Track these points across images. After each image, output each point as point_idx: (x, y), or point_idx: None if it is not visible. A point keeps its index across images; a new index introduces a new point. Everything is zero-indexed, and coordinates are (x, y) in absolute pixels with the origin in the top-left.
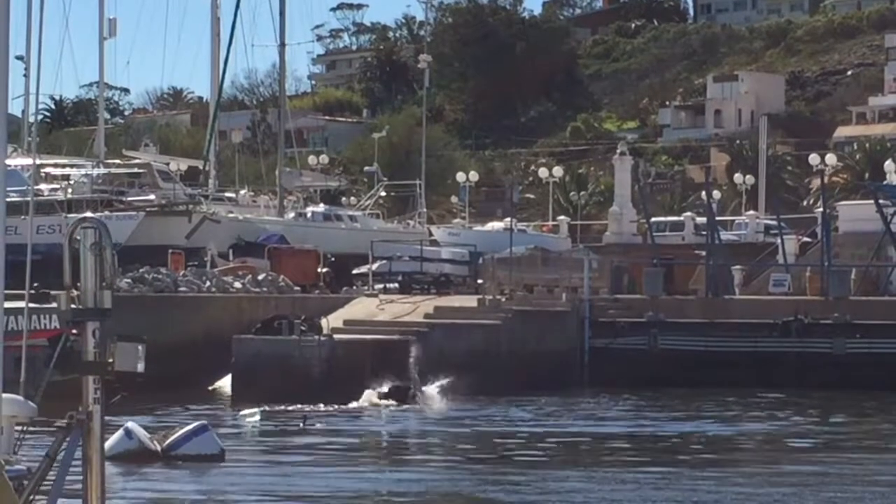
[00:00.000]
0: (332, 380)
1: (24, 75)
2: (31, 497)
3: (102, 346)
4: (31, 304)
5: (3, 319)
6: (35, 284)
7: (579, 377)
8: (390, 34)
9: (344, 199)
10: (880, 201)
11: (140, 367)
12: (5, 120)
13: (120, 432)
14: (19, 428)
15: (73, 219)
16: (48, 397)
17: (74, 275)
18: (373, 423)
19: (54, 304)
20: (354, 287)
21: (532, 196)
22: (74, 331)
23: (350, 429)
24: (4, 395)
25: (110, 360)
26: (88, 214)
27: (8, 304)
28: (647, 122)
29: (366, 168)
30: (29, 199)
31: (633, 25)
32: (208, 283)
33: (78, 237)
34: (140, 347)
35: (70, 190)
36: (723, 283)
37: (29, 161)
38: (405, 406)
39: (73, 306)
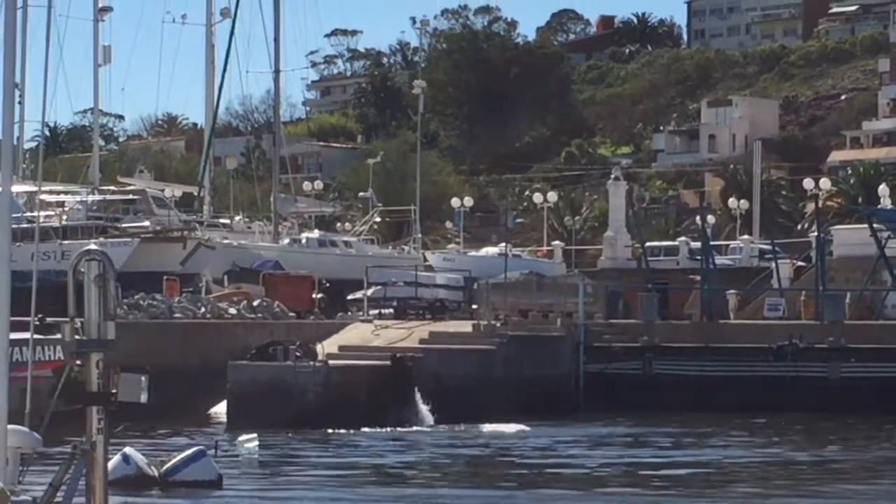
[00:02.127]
0: (327, 405)
1: (19, 102)
2: None
3: (106, 376)
4: (36, 336)
5: (7, 353)
6: (39, 315)
7: (574, 402)
8: (385, 60)
9: (339, 224)
10: (874, 226)
11: (143, 398)
12: (10, 162)
13: (118, 458)
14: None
15: (67, 245)
16: (50, 424)
17: (65, 303)
18: (373, 448)
19: (58, 335)
20: (349, 313)
21: (526, 221)
22: (78, 361)
23: (349, 453)
24: (9, 427)
25: (114, 391)
26: (93, 247)
27: (13, 336)
28: (642, 147)
29: (360, 194)
30: (24, 226)
31: (627, 51)
32: (203, 310)
33: (82, 269)
34: (143, 378)
35: (65, 217)
36: (717, 307)
37: (24, 188)
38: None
39: (77, 337)
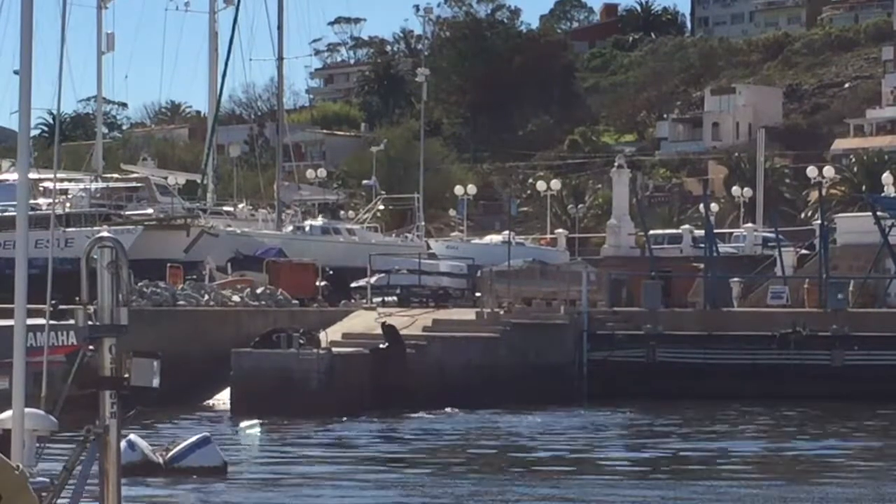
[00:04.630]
0: (330, 393)
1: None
2: None
3: (118, 361)
4: (51, 321)
5: (24, 337)
6: (53, 301)
7: (578, 390)
8: (388, 48)
9: (342, 212)
10: (878, 213)
11: (155, 382)
12: (27, 152)
13: (123, 444)
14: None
15: (71, 233)
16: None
17: (67, 290)
18: (378, 435)
19: (72, 321)
20: (353, 300)
21: (530, 209)
22: (91, 347)
23: (355, 439)
24: (26, 410)
25: (126, 376)
26: (105, 234)
27: (29, 321)
28: (645, 135)
29: (364, 181)
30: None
31: (630, 39)
32: (207, 297)
33: (95, 256)
34: (155, 363)
35: (68, 204)
36: (721, 295)
37: (32, 175)
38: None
39: (90, 323)
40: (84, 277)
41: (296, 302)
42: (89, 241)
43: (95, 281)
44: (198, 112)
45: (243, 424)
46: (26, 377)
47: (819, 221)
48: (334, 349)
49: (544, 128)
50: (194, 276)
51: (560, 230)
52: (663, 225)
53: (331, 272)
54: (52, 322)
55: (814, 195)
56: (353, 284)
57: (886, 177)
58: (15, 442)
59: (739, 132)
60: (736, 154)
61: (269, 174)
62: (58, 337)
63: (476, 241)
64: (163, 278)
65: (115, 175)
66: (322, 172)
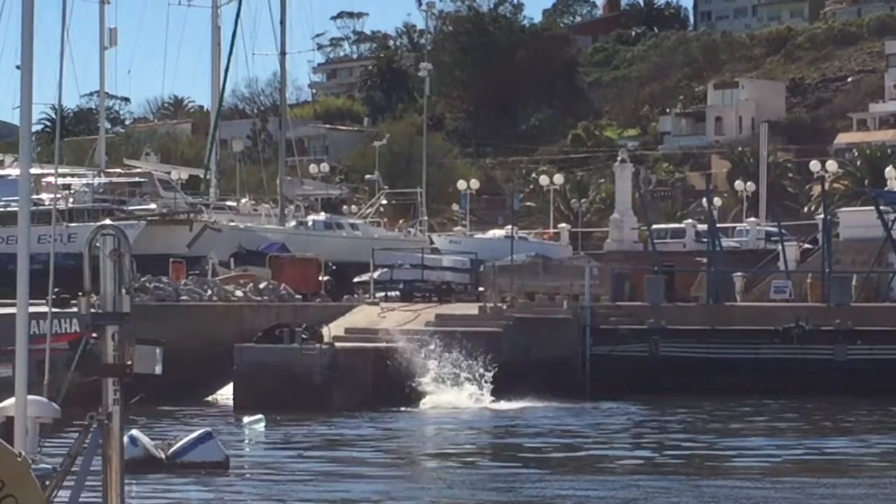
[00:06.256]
0: (333, 388)
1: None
2: (54, 495)
3: (121, 349)
4: (54, 309)
5: (27, 324)
6: (56, 290)
7: (580, 384)
8: (391, 42)
9: (345, 207)
10: (881, 208)
11: (158, 369)
12: (29, 147)
13: (124, 439)
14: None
15: (74, 228)
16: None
17: (70, 286)
18: (382, 430)
19: (75, 309)
20: (356, 295)
21: (533, 204)
22: (94, 334)
23: (359, 434)
24: (29, 397)
25: (129, 363)
26: (108, 222)
27: (31, 309)
28: (648, 130)
29: (367, 176)
30: (31, 208)
31: (633, 33)
32: (209, 292)
33: (97, 245)
34: (158, 350)
35: (71, 199)
36: (724, 290)
37: (35, 170)
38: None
39: (92, 310)
40: (87, 266)
41: (299, 297)
42: (85, 232)
43: (99, 270)
44: (200, 107)
45: (247, 419)
46: (29, 365)
47: (822, 216)
48: (337, 344)
49: (547, 122)
50: (197, 272)
51: (563, 225)
52: (666, 219)
53: (333, 267)
54: (54, 310)
55: (817, 189)
56: (356, 279)
57: (889, 171)
58: (17, 429)
59: (742, 126)
60: (739, 148)
61: (272, 169)
62: (61, 325)
63: (479, 235)
64: (166, 273)
65: (118, 170)
66: (325, 167)
